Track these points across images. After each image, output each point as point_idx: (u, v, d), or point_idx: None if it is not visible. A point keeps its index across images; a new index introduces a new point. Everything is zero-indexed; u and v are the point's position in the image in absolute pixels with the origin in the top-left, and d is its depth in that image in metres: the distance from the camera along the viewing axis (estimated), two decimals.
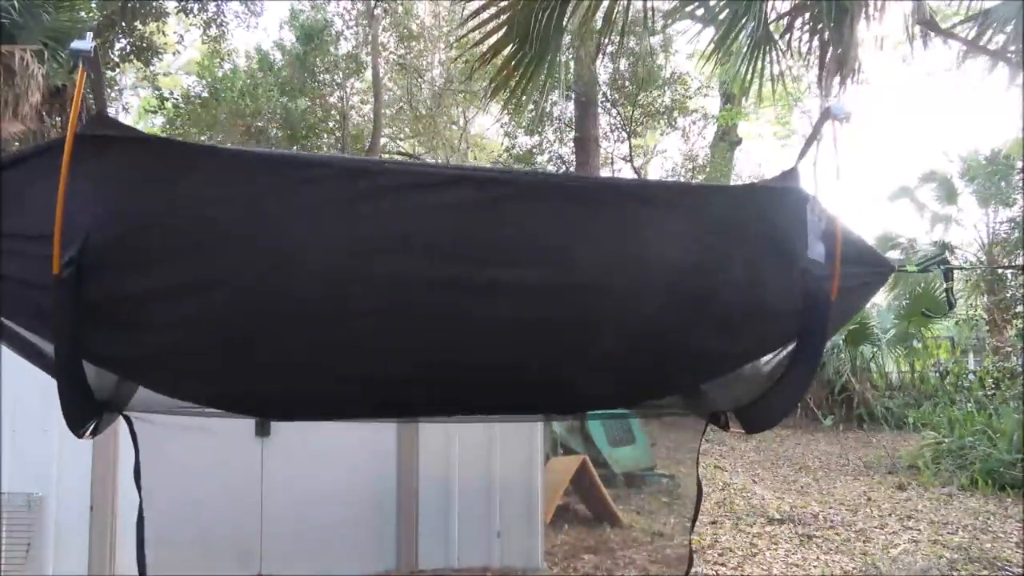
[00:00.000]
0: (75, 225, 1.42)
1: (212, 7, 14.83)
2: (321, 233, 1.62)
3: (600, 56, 13.12)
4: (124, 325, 1.59)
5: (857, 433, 11.69)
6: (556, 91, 14.68)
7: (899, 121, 32.50)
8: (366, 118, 19.44)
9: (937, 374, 13.15)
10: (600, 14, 5.31)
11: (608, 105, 17.18)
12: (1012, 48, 4.85)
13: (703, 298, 1.85)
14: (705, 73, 13.64)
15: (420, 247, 1.68)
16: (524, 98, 5.38)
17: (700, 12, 5.74)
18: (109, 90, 14.63)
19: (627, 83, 16.84)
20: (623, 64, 16.53)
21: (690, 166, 18.68)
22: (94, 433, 1.83)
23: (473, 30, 5.59)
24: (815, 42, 5.20)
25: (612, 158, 18.51)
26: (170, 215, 1.56)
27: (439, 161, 22.56)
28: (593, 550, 5.55)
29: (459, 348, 1.81)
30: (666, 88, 17.11)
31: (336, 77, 18.31)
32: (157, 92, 16.91)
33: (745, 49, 5.13)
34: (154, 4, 13.69)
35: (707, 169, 18.00)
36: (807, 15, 5.16)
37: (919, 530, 6.18)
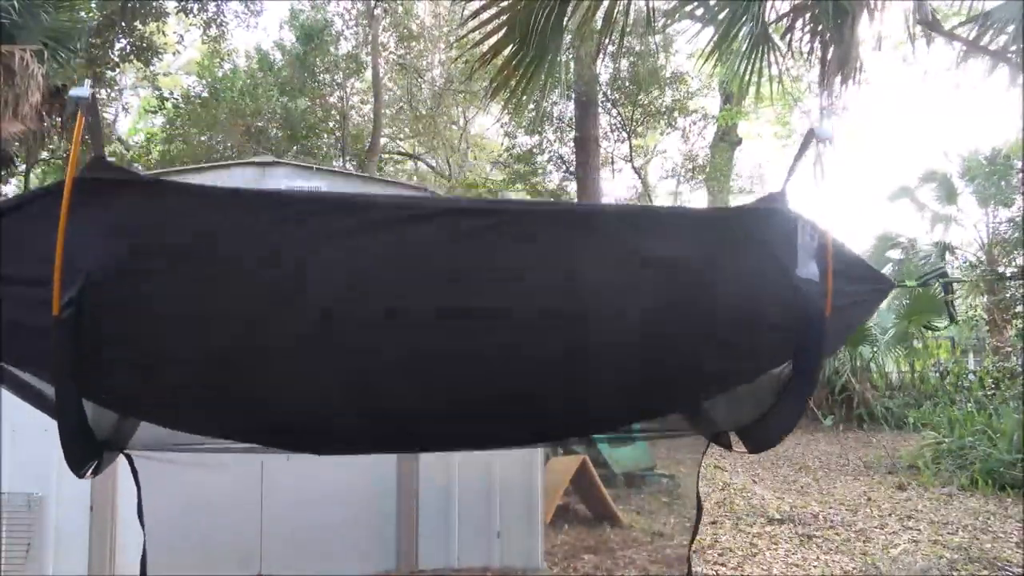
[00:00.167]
0: (74, 267, 1.45)
1: (212, 7, 14.84)
2: (318, 267, 1.65)
3: (600, 56, 13.11)
4: (124, 362, 1.62)
5: (857, 433, 11.69)
6: (556, 91, 14.70)
7: (899, 121, 32.54)
8: (366, 118, 19.46)
9: (937, 374, 13.16)
10: (600, 14, 5.31)
11: (608, 105, 17.19)
12: (1013, 48, 4.85)
13: (699, 320, 1.86)
14: (705, 73, 13.63)
15: (415, 279, 1.70)
16: (524, 98, 5.38)
17: (700, 12, 5.74)
18: (109, 90, 14.63)
19: (627, 83, 16.85)
20: (623, 64, 16.54)
21: (690, 166, 18.70)
22: (95, 473, 1.85)
23: (473, 30, 5.59)
24: (816, 42, 5.20)
25: (612, 158, 18.52)
26: (168, 254, 1.59)
27: (437, 163, 22.60)
28: (593, 550, 5.55)
29: (458, 378, 1.82)
30: (666, 88, 17.12)
31: (336, 77, 18.32)
32: (157, 92, 16.93)
33: (745, 48, 5.13)
34: (154, 4, 13.69)
35: (707, 169, 18.02)
36: (807, 15, 5.16)
37: (919, 530, 6.18)
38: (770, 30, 5.20)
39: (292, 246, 1.64)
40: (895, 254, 14.82)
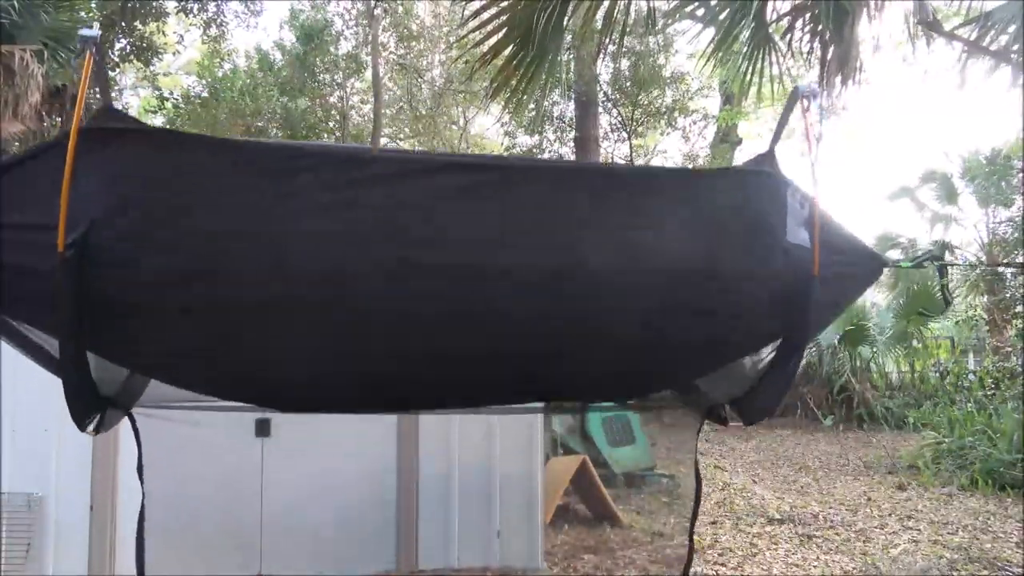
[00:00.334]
0: (80, 214, 1.45)
1: (212, 7, 14.84)
2: (320, 222, 1.64)
3: (601, 56, 13.13)
4: (124, 311, 1.60)
5: (857, 433, 11.69)
6: (557, 91, 14.70)
7: (899, 121, 32.52)
8: (366, 118, 19.44)
9: (937, 374, 13.16)
10: (601, 14, 5.31)
11: (609, 105, 17.19)
12: (1015, 48, 4.85)
13: (691, 283, 1.84)
14: (705, 73, 13.64)
15: (417, 235, 1.69)
16: (524, 98, 5.37)
17: (700, 12, 5.73)
18: (109, 91, 14.60)
19: (628, 83, 16.85)
20: (624, 64, 16.54)
21: (690, 166, 18.68)
22: (98, 429, 1.85)
23: (474, 30, 5.58)
24: (816, 43, 5.20)
25: (612, 158, 18.51)
26: (174, 205, 1.58)
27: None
28: (593, 550, 5.55)
29: (454, 335, 1.81)
30: (666, 88, 17.11)
31: (336, 77, 18.32)
32: (157, 92, 16.92)
33: (746, 49, 5.13)
34: (154, 4, 13.69)
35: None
36: (807, 15, 5.16)
37: (919, 530, 6.18)
38: (770, 30, 5.20)
39: (295, 199, 1.63)
40: (895, 254, 14.82)
